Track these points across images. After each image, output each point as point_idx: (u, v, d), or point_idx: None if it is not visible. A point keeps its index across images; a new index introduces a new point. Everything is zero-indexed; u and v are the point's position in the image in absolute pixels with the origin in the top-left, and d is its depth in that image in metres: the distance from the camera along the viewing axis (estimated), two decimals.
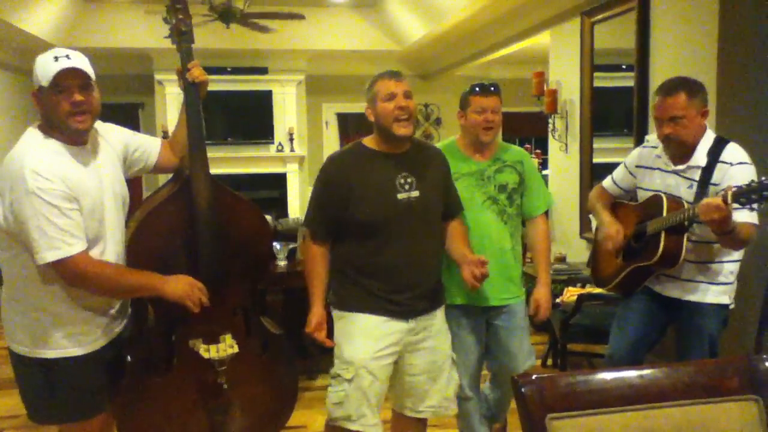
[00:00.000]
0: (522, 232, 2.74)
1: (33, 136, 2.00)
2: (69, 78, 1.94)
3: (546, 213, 2.80)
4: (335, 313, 2.36)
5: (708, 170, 2.39)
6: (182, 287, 2.11)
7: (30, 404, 2.12)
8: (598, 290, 3.57)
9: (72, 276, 1.97)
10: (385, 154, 2.30)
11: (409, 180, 2.28)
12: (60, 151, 1.98)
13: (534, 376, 1.36)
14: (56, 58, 1.94)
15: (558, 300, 4.07)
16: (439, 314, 2.41)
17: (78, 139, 2.03)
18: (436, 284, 2.40)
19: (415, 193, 2.28)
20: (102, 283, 2.02)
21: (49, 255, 1.90)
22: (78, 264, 1.95)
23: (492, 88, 2.54)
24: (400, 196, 2.26)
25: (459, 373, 2.57)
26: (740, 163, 2.37)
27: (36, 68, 1.96)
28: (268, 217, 4.61)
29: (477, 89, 2.54)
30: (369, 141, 2.34)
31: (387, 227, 2.25)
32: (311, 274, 2.34)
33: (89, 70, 1.99)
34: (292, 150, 8.84)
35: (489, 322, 2.67)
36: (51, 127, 2.00)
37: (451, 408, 2.45)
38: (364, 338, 2.27)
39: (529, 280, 2.76)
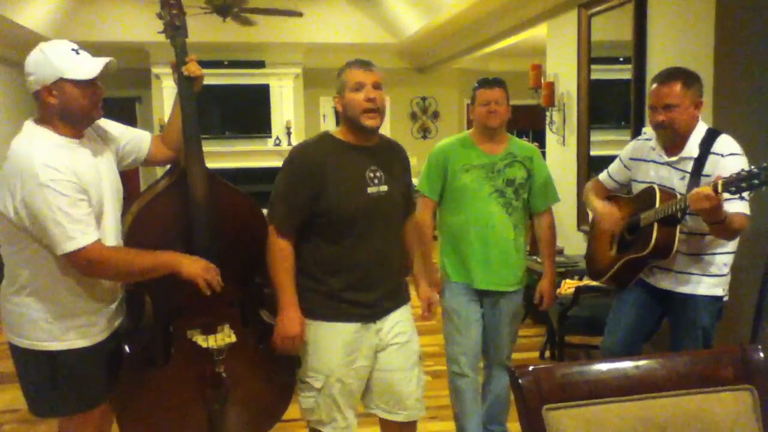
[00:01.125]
0: (527, 225, 2.85)
1: (36, 130, 2.00)
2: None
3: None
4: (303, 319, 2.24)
5: (700, 161, 2.40)
6: (199, 265, 2.12)
7: (31, 398, 2.12)
8: (595, 282, 3.58)
9: (88, 265, 1.98)
10: (355, 147, 2.22)
11: (378, 174, 2.21)
12: (64, 145, 2.00)
13: (530, 367, 1.36)
14: (76, 51, 1.98)
15: (555, 292, 4.09)
16: (405, 312, 2.37)
17: (77, 132, 2.05)
18: (398, 282, 2.35)
19: (384, 188, 2.22)
20: (119, 267, 2.04)
21: (67, 246, 1.91)
22: (94, 253, 1.96)
23: (495, 81, 2.71)
24: (370, 189, 2.19)
25: (458, 350, 2.69)
26: (731, 154, 2.37)
27: (53, 60, 1.94)
28: (266, 211, 4.63)
29: (481, 83, 2.72)
30: (338, 133, 2.27)
31: (357, 222, 2.18)
32: (280, 270, 2.19)
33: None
34: (289, 143, 8.84)
35: (485, 306, 2.78)
36: (53, 121, 2.00)
37: (422, 411, 2.39)
38: (333, 347, 2.21)
39: (530, 274, 2.86)
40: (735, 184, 2.09)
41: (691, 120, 2.43)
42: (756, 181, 2.06)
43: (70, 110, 1.99)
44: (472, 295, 2.76)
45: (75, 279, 2.03)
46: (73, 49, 1.97)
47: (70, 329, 2.06)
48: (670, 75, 2.44)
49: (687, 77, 2.42)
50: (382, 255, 2.26)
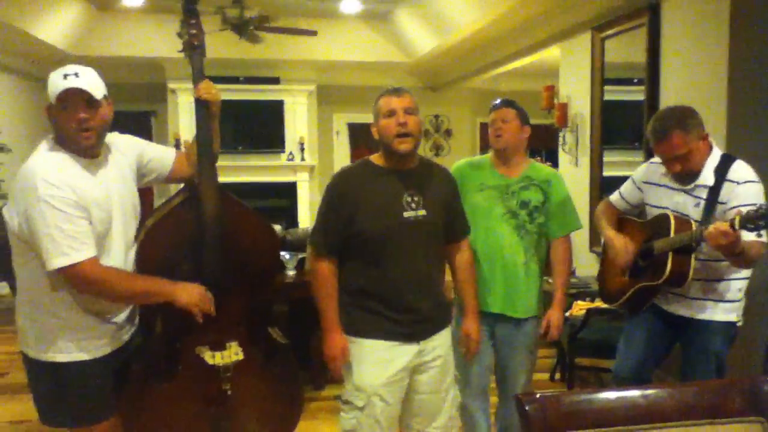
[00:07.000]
0: (544, 252, 2.73)
1: (46, 147, 2.05)
2: (74, 96, 1.98)
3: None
4: (346, 337, 2.30)
5: (715, 190, 2.38)
6: (194, 295, 2.13)
7: (40, 407, 2.16)
8: (607, 305, 3.55)
9: (80, 282, 2.00)
10: (392, 171, 2.25)
11: (415, 198, 2.24)
12: (70, 163, 2.03)
13: (538, 395, 1.35)
14: (65, 76, 1.98)
15: (566, 314, 4.05)
16: (446, 333, 2.37)
17: (88, 152, 2.07)
18: (438, 305, 2.35)
19: (422, 212, 2.24)
20: (111, 288, 2.05)
21: (58, 261, 1.93)
22: (86, 270, 1.98)
23: (503, 102, 2.72)
24: (406, 214, 2.22)
25: (460, 380, 2.59)
26: (747, 181, 2.35)
27: (48, 84, 2.01)
28: (278, 227, 4.63)
29: (491, 107, 2.74)
30: (376, 158, 2.31)
31: (391, 244, 2.21)
32: (321, 294, 2.28)
33: (95, 89, 2.01)
34: (302, 159, 8.87)
35: (495, 334, 2.68)
36: (63, 140, 2.05)
37: (455, 427, 2.43)
38: (375, 364, 2.23)
39: (547, 298, 2.77)
40: (753, 220, 2.07)
41: (703, 153, 2.41)
42: None
43: (59, 131, 2.04)
44: (480, 321, 2.58)
45: (69, 295, 2.05)
46: (65, 74, 1.98)
47: (70, 342, 2.08)
48: (665, 128, 2.39)
49: (681, 121, 2.38)
50: (417, 279, 2.26)
